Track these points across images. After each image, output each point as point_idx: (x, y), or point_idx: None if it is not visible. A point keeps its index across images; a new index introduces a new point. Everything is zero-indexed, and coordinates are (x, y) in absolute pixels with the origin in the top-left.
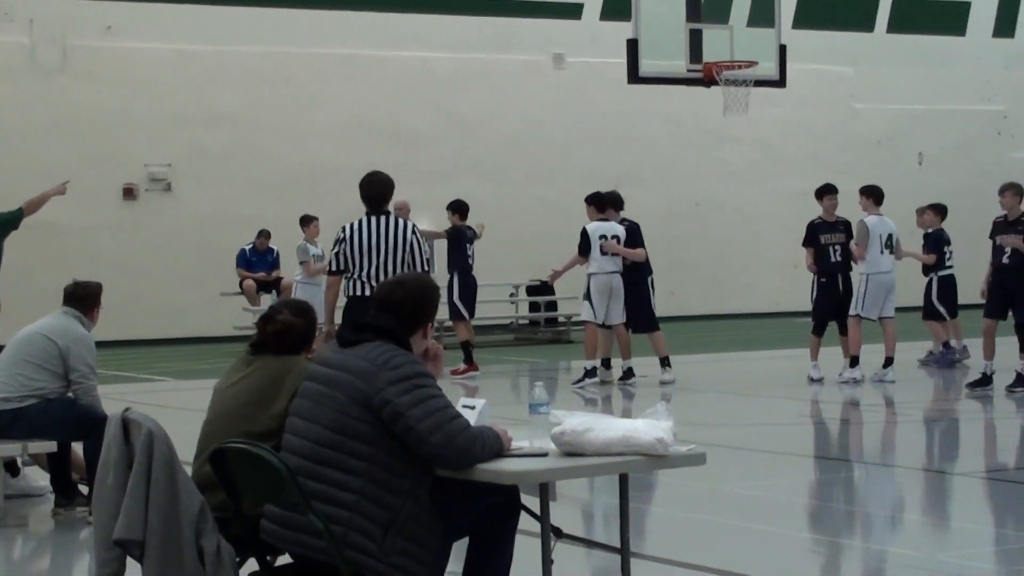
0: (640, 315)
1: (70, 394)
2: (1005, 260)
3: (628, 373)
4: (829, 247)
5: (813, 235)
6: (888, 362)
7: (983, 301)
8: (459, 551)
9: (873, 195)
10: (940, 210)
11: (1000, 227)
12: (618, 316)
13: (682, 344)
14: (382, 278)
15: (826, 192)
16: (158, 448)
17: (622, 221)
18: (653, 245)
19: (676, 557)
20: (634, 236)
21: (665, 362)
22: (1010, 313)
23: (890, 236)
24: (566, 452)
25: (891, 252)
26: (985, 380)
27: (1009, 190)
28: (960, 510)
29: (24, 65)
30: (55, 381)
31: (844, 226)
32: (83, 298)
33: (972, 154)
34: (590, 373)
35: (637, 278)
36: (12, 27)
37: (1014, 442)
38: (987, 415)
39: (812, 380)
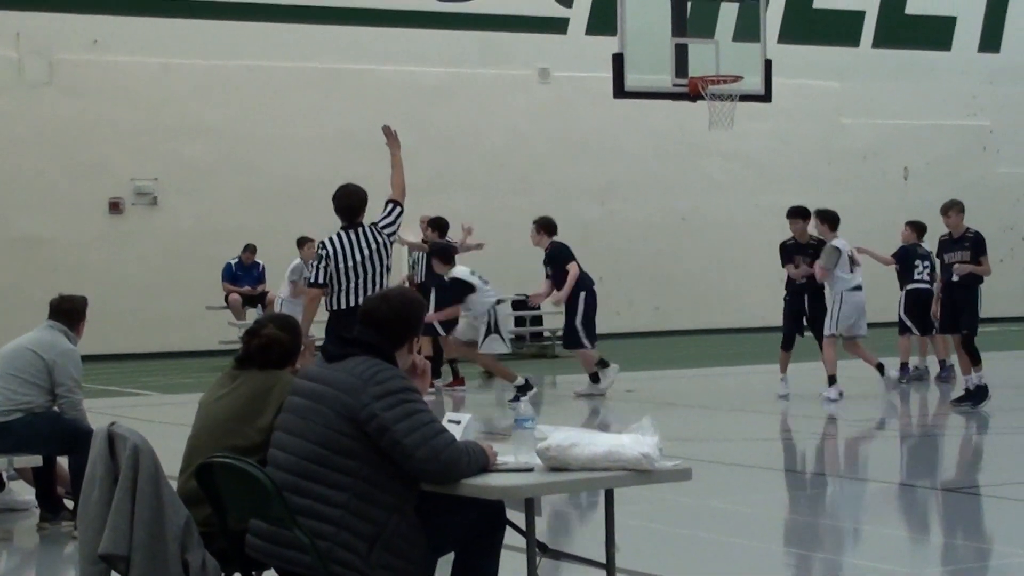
0: (567, 332)
1: (56, 408)
2: (955, 278)
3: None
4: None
5: (785, 256)
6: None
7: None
8: (444, 566)
9: (828, 220)
10: (916, 227)
11: (946, 245)
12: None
13: (667, 359)
14: (369, 289)
15: (791, 215)
16: (144, 462)
17: (551, 244)
18: (637, 259)
19: (662, 572)
20: (554, 257)
21: (593, 377)
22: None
23: (850, 256)
24: (551, 467)
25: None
26: (968, 395)
27: (952, 208)
28: (946, 525)
29: (11, 79)
30: (41, 395)
31: (813, 248)
32: (69, 312)
33: (957, 169)
34: (522, 389)
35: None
36: None
37: (996, 457)
38: (969, 430)
39: (779, 396)
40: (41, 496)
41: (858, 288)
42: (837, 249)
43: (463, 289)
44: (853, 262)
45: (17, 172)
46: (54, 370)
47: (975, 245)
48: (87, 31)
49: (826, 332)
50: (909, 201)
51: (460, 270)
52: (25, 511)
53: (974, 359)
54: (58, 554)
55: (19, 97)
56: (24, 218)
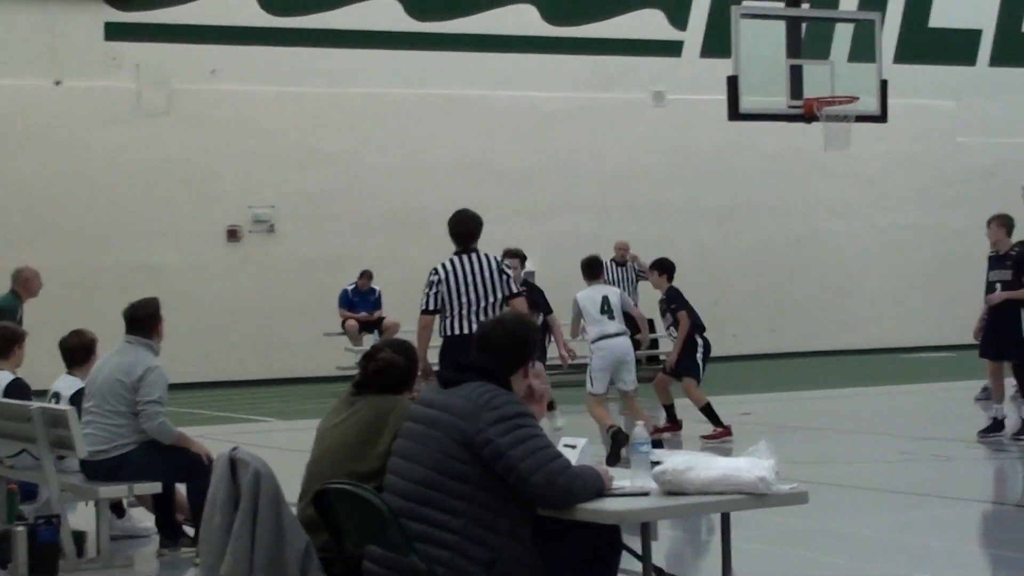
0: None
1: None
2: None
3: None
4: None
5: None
6: None
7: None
8: None
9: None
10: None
11: (992, 262)
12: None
13: (783, 381)
14: (481, 316)
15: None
16: (265, 487)
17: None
18: (753, 281)
19: None
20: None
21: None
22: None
23: None
24: (667, 491)
25: None
26: (997, 426)
27: (994, 221)
28: None
29: (131, 109)
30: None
31: (1012, 260)
32: (145, 319)
33: None
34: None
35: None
36: (119, 73)
37: None
38: None
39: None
40: (160, 523)
41: None
42: None
43: None
44: None
45: (137, 201)
46: (139, 391)
47: (1017, 264)
48: (205, 61)
49: None
50: None
51: None
52: (145, 538)
53: None
54: None
55: (138, 127)
56: (144, 246)
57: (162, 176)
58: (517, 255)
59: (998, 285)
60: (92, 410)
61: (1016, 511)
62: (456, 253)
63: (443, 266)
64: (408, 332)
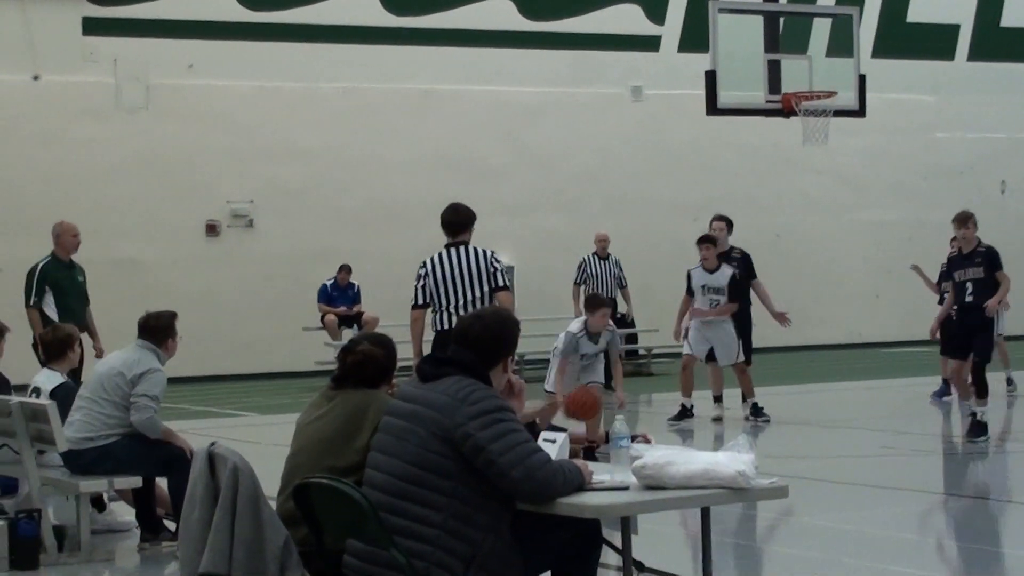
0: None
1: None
2: (968, 298)
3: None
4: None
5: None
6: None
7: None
8: None
9: None
10: None
11: (956, 262)
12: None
13: (762, 376)
14: (468, 310)
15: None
16: (243, 482)
17: (731, 250)
18: None
19: None
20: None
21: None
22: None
23: None
24: (647, 485)
25: None
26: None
27: (972, 220)
28: None
29: (108, 104)
30: None
31: (981, 257)
32: (156, 329)
33: None
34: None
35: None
36: (96, 67)
37: None
38: None
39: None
40: (141, 517)
41: None
42: None
43: None
44: None
45: (115, 196)
46: (136, 385)
47: (989, 261)
48: (183, 56)
49: None
50: (1007, 215)
51: None
52: (126, 532)
53: (981, 390)
54: (158, 574)
55: (117, 122)
56: (122, 241)
57: (140, 171)
58: (723, 219)
59: (969, 284)
60: (84, 396)
61: (996, 505)
62: (445, 246)
63: (431, 260)
64: (387, 327)
